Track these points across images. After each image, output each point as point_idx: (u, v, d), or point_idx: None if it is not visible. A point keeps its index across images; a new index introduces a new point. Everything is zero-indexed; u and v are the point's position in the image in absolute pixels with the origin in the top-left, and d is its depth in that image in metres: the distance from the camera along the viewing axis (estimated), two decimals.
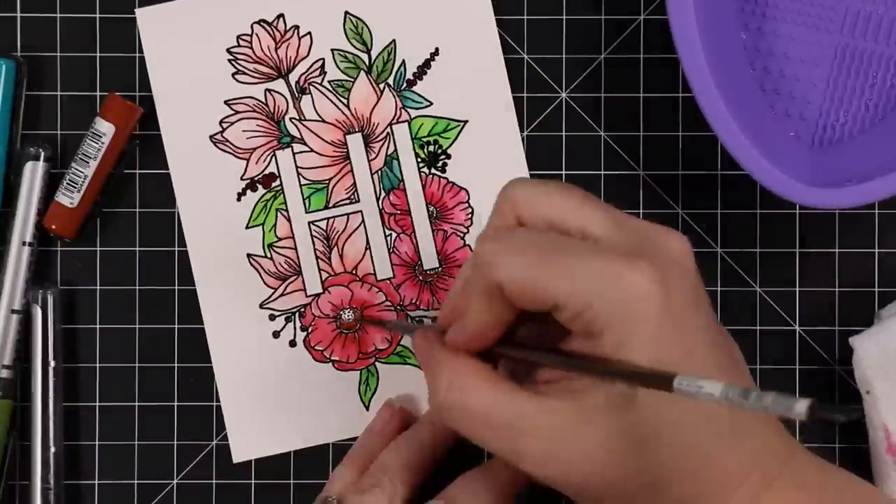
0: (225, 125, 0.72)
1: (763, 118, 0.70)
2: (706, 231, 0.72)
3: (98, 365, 0.72)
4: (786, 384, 0.72)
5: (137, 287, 0.72)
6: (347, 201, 0.72)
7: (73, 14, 0.72)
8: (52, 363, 0.71)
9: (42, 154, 0.71)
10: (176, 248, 0.72)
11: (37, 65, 0.72)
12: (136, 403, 0.72)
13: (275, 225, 0.72)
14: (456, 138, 0.72)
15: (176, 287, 0.72)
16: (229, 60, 0.72)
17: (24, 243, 0.71)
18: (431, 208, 0.72)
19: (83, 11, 0.72)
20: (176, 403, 0.72)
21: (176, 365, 0.72)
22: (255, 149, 0.72)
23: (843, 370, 0.72)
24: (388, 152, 0.72)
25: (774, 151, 0.67)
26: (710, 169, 0.72)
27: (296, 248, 0.72)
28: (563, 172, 0.72)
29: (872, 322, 0.71)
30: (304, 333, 0.72)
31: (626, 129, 0.72)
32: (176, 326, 0.72)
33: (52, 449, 0.71)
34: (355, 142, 0.72)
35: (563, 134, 0.72)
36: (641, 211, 0.72)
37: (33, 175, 0.71)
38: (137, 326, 0.72)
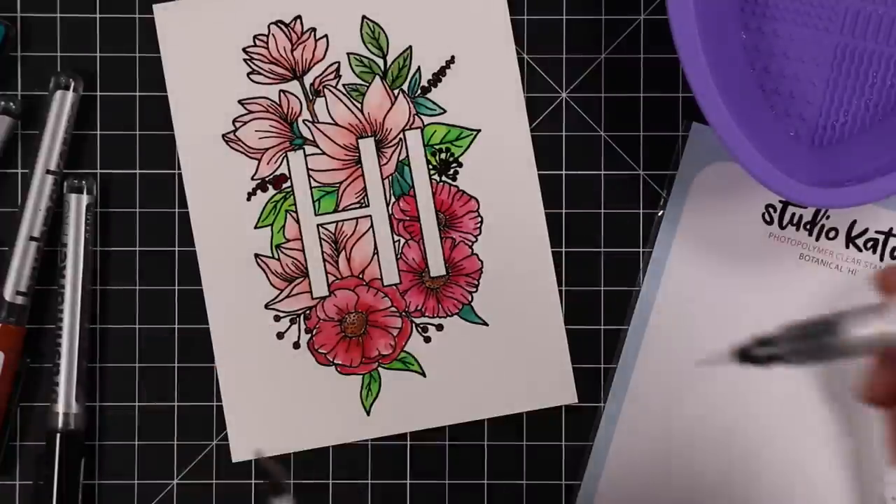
0: (238, 124, 0.72)
1: (763, 118, 0.70)
2: None
3: (98, 365, 0.72)
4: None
5: (137, 287, 0.72)
6: (357, 205, 0.72)
7: (73, 14, 0.72)
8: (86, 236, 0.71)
9: (72, 84, 0.71)
10: (176, 248, 0.72)
11: (37, 64, 0.72)
12: (136, 403, 0.72)
13: (283, 226, 0.72)
14: (468, 147, 0.72)
15: (176, 287, 0.72)
16: (245, 60, 0.72)
17: (48, 171, 0.71)
18: (441, 216, 0.72)
19: (84, 11, 0.72)
20: (176, 403, 0.72)
21: (176, 365, 0.72)
22: (267, 149, 0.72)
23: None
24: (400, 158, 0.72)
25: (774, 151, 0.67)
26: None
27: (303, 250, 0.72)
28: (564, 172, 0.72)
29: None
30: (309, 336, 0.72)
31: (626, 129, 0.72)
32: (176, 326, 0.72)
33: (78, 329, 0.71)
34: (367, 146, 0.72)
35: (563, 134, 0.72)
36: (641, 211, 0.72)
37: (62, 104, 0.71)
38: (137, 326, 0.72)
